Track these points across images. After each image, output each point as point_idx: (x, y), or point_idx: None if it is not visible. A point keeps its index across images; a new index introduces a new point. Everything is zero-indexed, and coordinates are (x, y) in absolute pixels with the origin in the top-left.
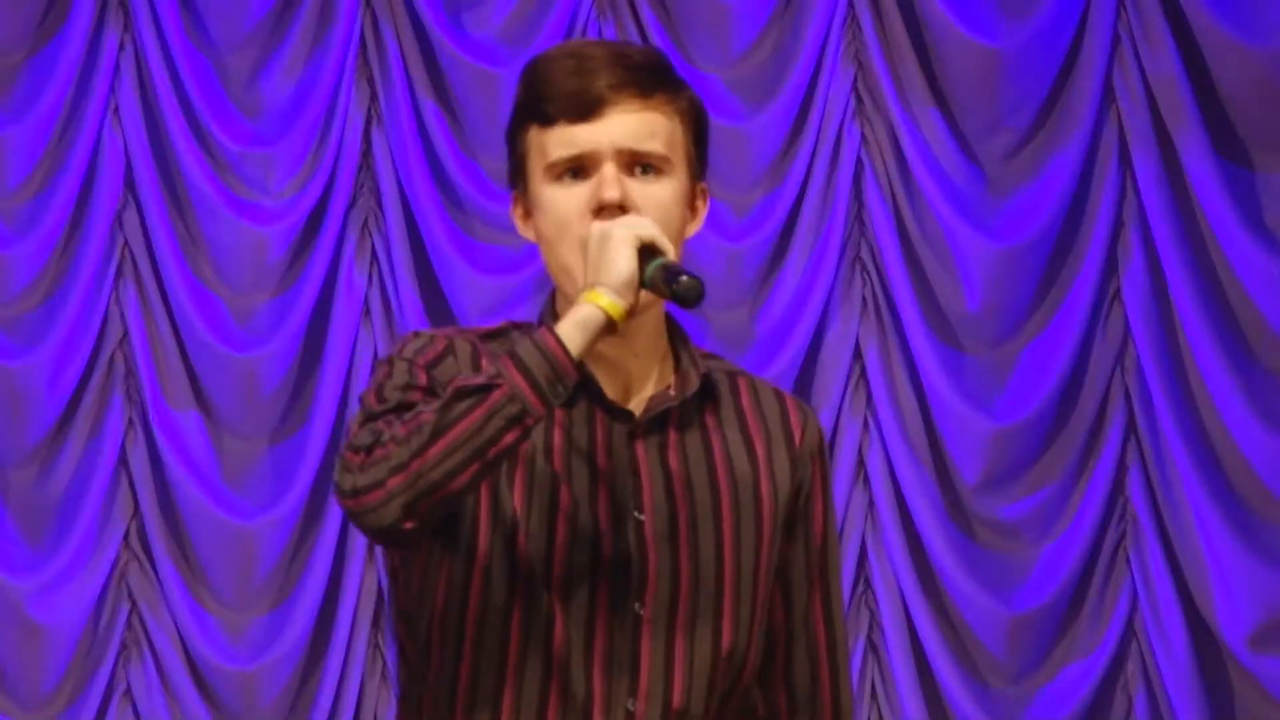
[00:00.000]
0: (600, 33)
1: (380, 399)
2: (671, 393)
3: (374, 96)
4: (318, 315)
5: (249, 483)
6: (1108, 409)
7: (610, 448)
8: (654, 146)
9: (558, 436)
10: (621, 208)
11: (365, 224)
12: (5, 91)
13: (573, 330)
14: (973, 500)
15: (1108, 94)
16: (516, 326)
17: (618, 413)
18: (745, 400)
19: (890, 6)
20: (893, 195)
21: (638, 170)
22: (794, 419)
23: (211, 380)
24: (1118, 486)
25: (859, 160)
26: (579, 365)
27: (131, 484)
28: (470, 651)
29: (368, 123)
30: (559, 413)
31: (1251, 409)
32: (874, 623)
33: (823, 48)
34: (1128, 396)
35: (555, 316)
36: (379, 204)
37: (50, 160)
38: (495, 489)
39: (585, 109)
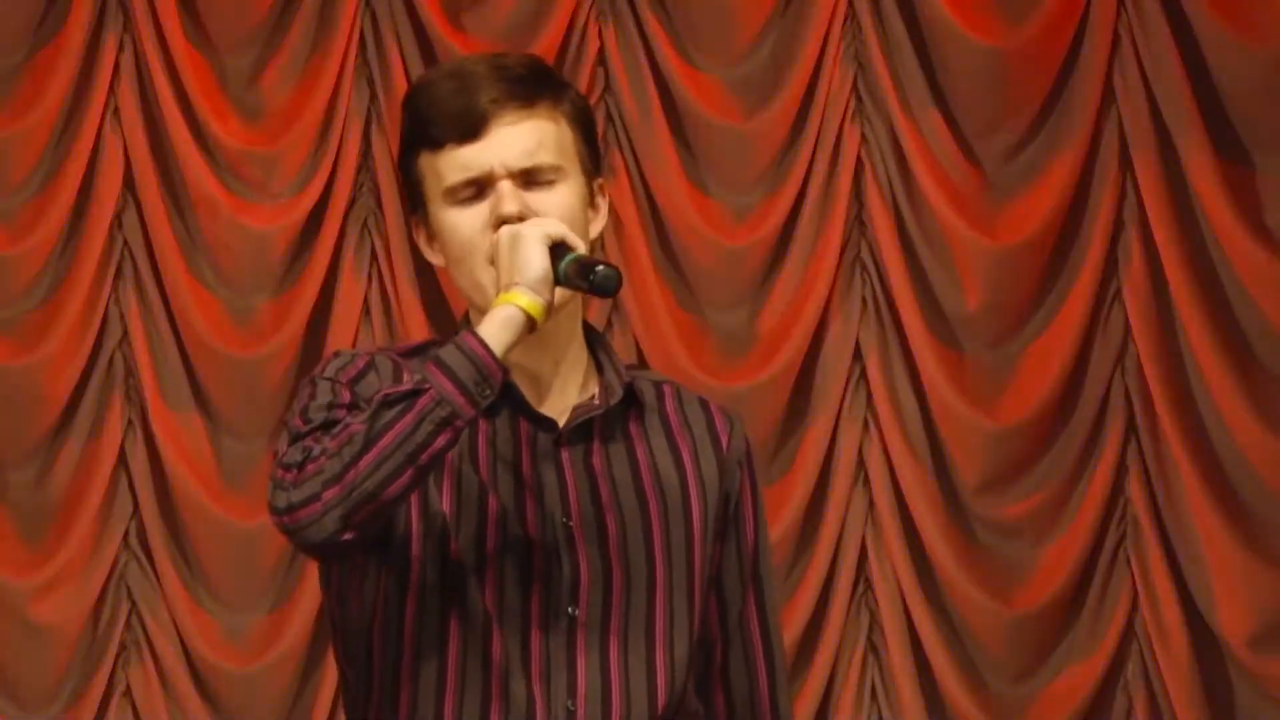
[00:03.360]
0: (600, 35)
1: (305, 420)
2: (595, 401)
3: (374, 96)
4: (318, 315)
5: (249, 483)
6: (1108, 409)
7: (535, 456)
8: (544, 159)
9: (483, 447)
10: (521, 219)
11: (365, 225)
12: (5, 91)
13: (494, 330)
14: (973, 500)
15: (1108, 94)
16: (436, 343)
17: (541, 421)
18: (670, 408)
19: (890, 6)
20: (893, 195)
21: (532, 183)
22: (719, 426)
23: (211, 381)
24: (1118, 487)
25: (859, 160)
26: (503, 366)
27: (131, 484)
28: (410, 663)
29: (368, 123)
30: (484, 424)
31: (1251, 409)
32: (874, 623)
33: (823, 48)
34: (1128, 397)
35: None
36: (379, 204)
37: (50, 162)
38: (425, 500)
39: (471, 129)
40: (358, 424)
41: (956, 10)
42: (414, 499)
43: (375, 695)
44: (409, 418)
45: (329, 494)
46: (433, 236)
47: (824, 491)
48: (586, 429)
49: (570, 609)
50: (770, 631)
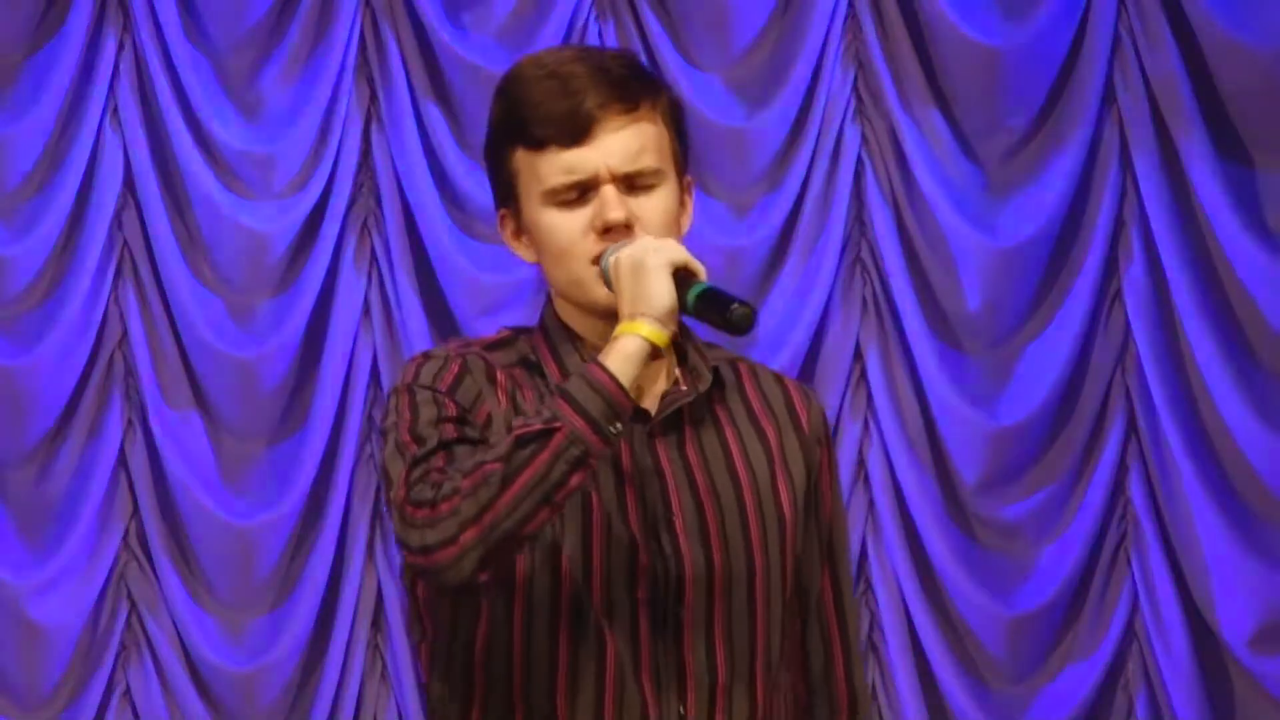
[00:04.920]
0: (600, 33)
1: (416, 438)
2: (683, 388)
3: (374, 96)
4: (317, 315)
5: (248, 483)
6: (1108, 409)
7: (632, 449)
8: (647, 162)
9: None
10: (627, 225)
11: (365, 224)
12: (5, 91)
13: (622, 364)
14: (973, 500)
15: (1108, 94)
16: (518, 333)
17: (635, 413)
18: (750, 388)
19: (890, 6)
20: (893, 195)
21: (635, 185)
22: (799, 404)
23: (211, 380)
24: (1118, 487)
25: (859, 160)
26: (633, 400)
27: (131, 484)
28: (520, 671)
29: (368, 123)
30: None
31: (1251, 409)
32: (874, 623)
33: (823, 48)
34: (1128, 396)
35: (560, 324)
36: (379, 204)
37: (50, 160)
38: (552, 523)
39: (576, 133)
40: (492, 462)
41: (956, 10)
42: None
43: (478, 709)
44: (544, 457)
45: (467, 536)
46: (522, 231)
47: None
48: (677, 417)
49: (677, 606)
50: (845, 609)
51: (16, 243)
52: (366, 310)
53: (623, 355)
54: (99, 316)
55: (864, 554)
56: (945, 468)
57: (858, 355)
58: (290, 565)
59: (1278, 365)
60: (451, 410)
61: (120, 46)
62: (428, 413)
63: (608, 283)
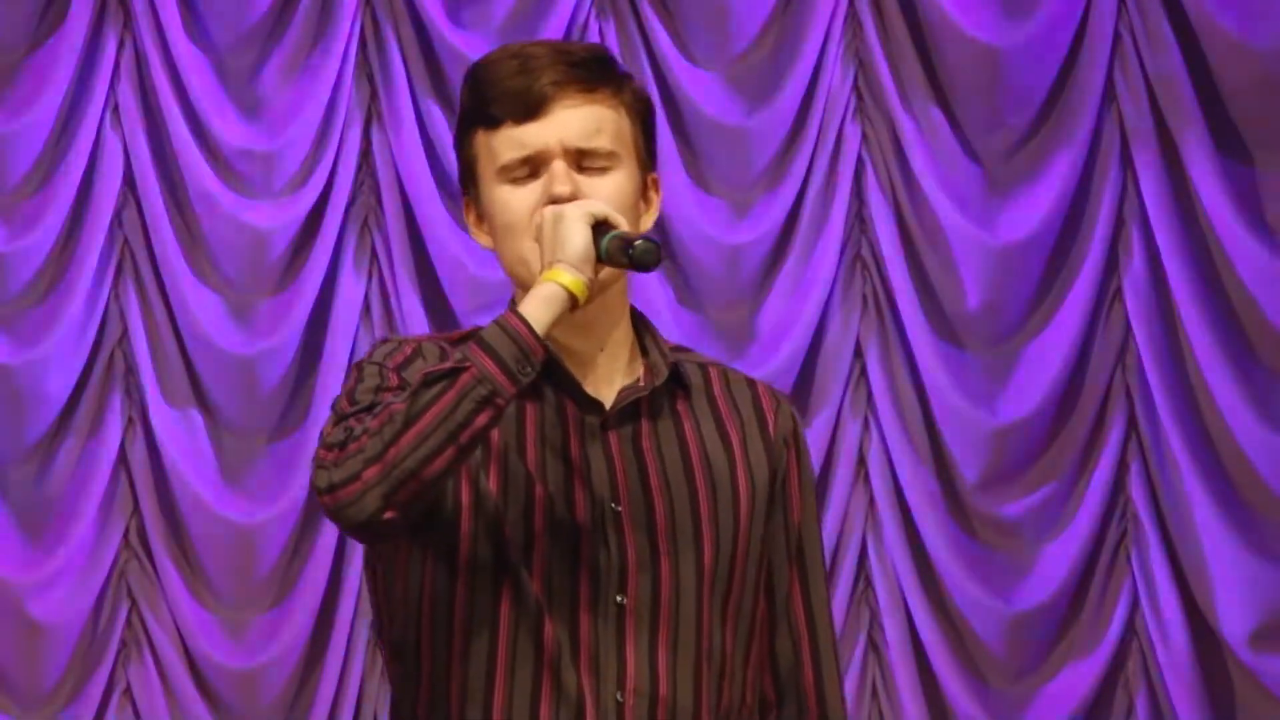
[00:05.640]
0: (600, 33)
1: (352, 401)
2: (641, 384)
3: (374, 96)
4: (317, 314)
5: (249, 481)
6: (1108, 408)
7: (583, 439)
8: (601, 142)
9: (530, 431)
10: (573, 200)
11: (365, 223)
12: (5, 91)
13: (535, 308)
14: (973, 499)
15: (1109, 92)
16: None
17: (588, 404)
18: (717, 389)
19: (890, 5)
20: (893, 194)
21: (587, 166)
22: (766, 405)
23: (211, 379)
24: (1118, 485)
25: (859, 159)
26: (544, 344)
27: (131, 482)
28: (459, 652)
29: (368, 122)
30: (531, 408)
31: (1252, 408)
32: (874, 621)
33: (823, 46)
34: (1128, 395)
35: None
36: (379, 203)
37: (50, 159)
38: (474, 486)
39: (530, 108)
40: (399, 403)
41: (957, 9)
42: (463, 484)
43: (424, 686)
44: (450, 395)
45: (369, 473)
46: (482, 217)
47: (824, 489)
48: (634, 411)
49: (619, 597)
50: (815, 614)
51: (17, 241)
52: (366, 308)
53: (536, 299)
54: (99, 315)
55: (864, 552)
56: (945, 466)
57: (858, 354)
58: (290, 563)
59: (1278, 364)
60: (393, 381)
61: (120, 45)
62: (370, 383)
63: None
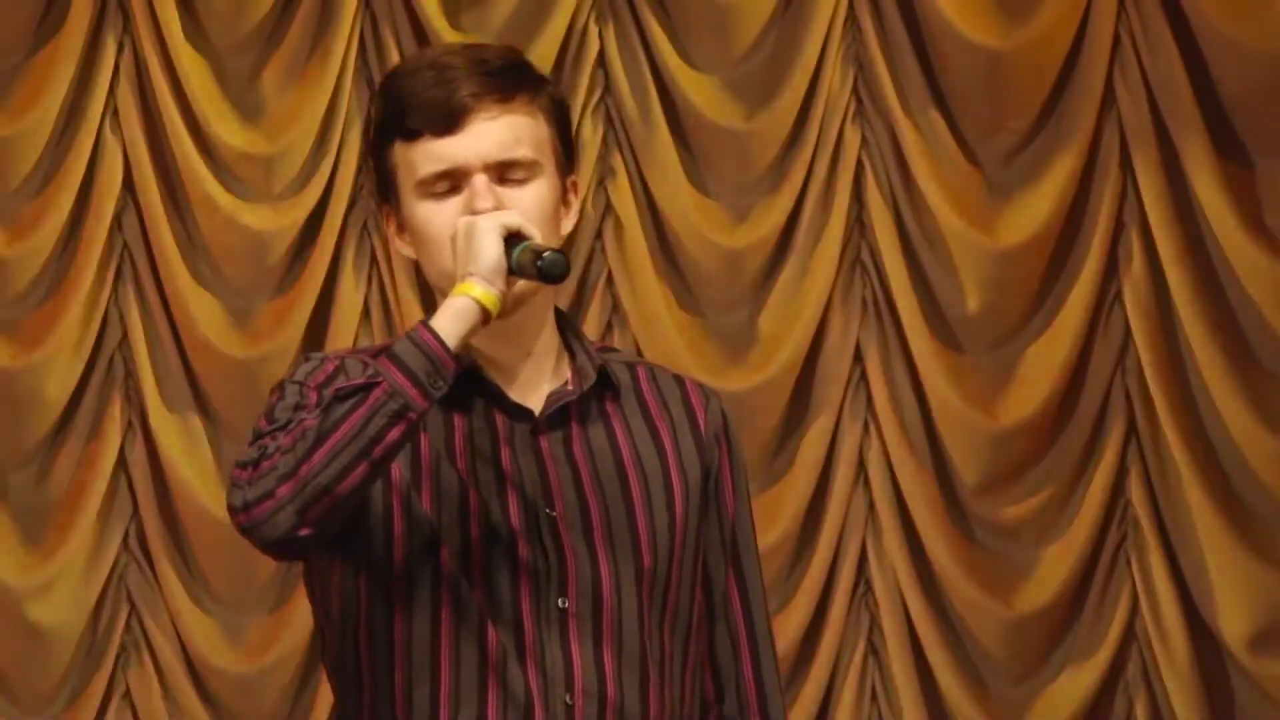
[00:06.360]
0: (600, 34)
1: (270, 420)
2: (569, 387)
3: (374, 97)
4: (317, 317)
5: None
6: (1108, 410)
7: (513, 447)
8: (521, 153)
9: (460, 443)
10: None
11: (365, 227)
12: (5, 91)
13: (446, 321)
14: (973, 502)
15: (1108, 95)
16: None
17: (517, 412)
18: (646, 389)
19: (890, 7)
20: (893, 197)
21: (507, 177)
22: (695, 402)
23: (211, 382)
24: (1118, 488)
25: (859, 161)
26: (456, 357)
27: (131, 486)
28: (401, 665)
29: (367, 123)
30: (459, 420)
31: (1251, 409)
32: (874, 624)
33: (823, 49)
34: (1128, 397)
35: None
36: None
37: (50, 163)
38: (406, 501)
39: (449, 121)
40: (311, 419)
41: (957, 11)
42: (394, 499)
43: (367, 702)
44: (361, 411)
45: (282, 490)
46: (403, 227)
47: (824, 492)
48: (563, 416)
49: (560, 601)
50: (752, 609)
51: (16, 243)
52: (366, 312)
53: (448, 314)
54: (98, 318)
55: (863, 554)
56: (945, 469)
57: (857, 357)
58: (290, 567)
59: (1278, 365)
60: (312, 400)
61: (120, 48)
62: (289, 401)
63: None
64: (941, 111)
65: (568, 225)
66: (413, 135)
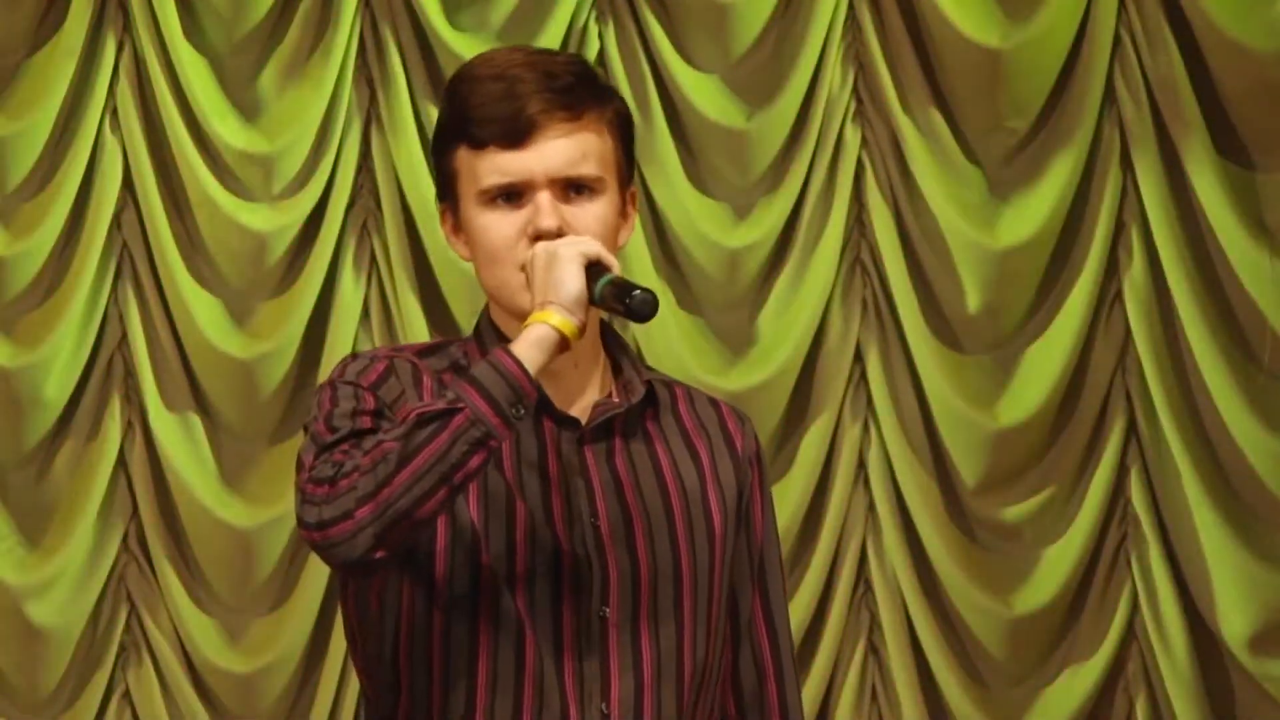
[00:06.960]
0: (600, 34)
1: (330, 428)
2: (615, 399)
3: (373, 99)
4: (317, 317)
5: (248, 485)
6: (1108, 410)
7: (560, 455)
8: (587, 170)
9: (507, 450)
10: (559, 234)
11: (365, 225)
12: (5, 92)
13: (528, 350)
14: (973, 502)
15: (1109, 95)
16: (453, 340)
17: (564, 421)
18: (684, 409)
19: (890, 7)
20: (893, 197)
21: (571, 193)
22: (732, 426)
23: (210, 382)
24: (1118, 488)
25: (859, 162)
26: (537, 384)
27: (130, 485)
28: (440, 671)
29: (367, 125)
30: None
31: (1251, 409)
32: (874, 624)
33: (823, 48)
34: (1128, 398)
35: (493, 328)
36: (378, 206)
37: (49, 162)
38: (452, 508)
39: (517, 135)
40: (391, 441)
41: (957, 11)
42: None
43: (403, 706)
44: (444, 437)
45: (362, 512)
46: (459, 229)
47: (824, 492)
48: (608, 428)
49: (602, 609)
50: (777, 632)
51: (17, 243)
52: (366, 311)
53: (529, 341)
54: (98, 318)
55: (864, 555)
56: (945, 469)
57: (857, 357)
58: (290, 566)
59: (1278, 365)
60: (369, 404)
61: (120, 47)
62: (345, 405)
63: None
64: (941, 111)
65: (625, 237)
66: (479, 144)
